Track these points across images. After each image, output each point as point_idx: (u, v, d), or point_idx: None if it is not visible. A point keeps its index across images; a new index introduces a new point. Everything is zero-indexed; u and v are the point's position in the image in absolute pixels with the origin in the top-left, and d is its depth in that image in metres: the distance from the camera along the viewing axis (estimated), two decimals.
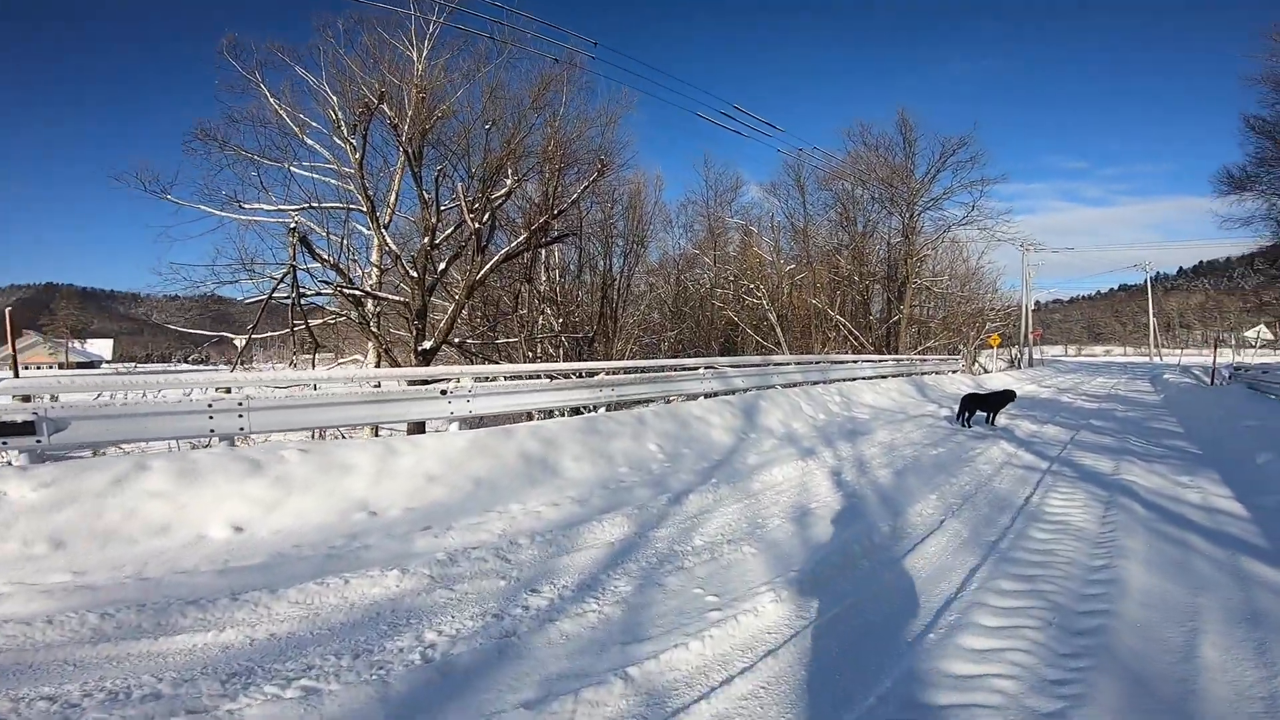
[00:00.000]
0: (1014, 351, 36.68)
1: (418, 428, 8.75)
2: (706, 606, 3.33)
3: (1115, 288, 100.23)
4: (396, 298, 12.08)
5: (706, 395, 10.23)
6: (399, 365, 11.83)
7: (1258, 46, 17.58)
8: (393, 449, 6.00)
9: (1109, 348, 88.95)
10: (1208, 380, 19.27)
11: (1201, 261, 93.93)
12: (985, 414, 10.53)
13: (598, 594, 3.50)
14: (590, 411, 8.81)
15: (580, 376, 8.88)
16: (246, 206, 12.90)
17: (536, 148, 13.61)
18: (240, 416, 5.51)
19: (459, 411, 6.99)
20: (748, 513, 5.25)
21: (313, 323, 11.79)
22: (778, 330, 21.46)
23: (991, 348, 30.35)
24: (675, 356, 25.08)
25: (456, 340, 13.20)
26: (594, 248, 21.26)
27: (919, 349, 26.67)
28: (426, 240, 11.93)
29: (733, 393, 10.84)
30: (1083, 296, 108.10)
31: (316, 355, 11.95)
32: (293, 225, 11.19)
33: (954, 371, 21.73)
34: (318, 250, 11.27)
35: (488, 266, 12.47)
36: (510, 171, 12.60)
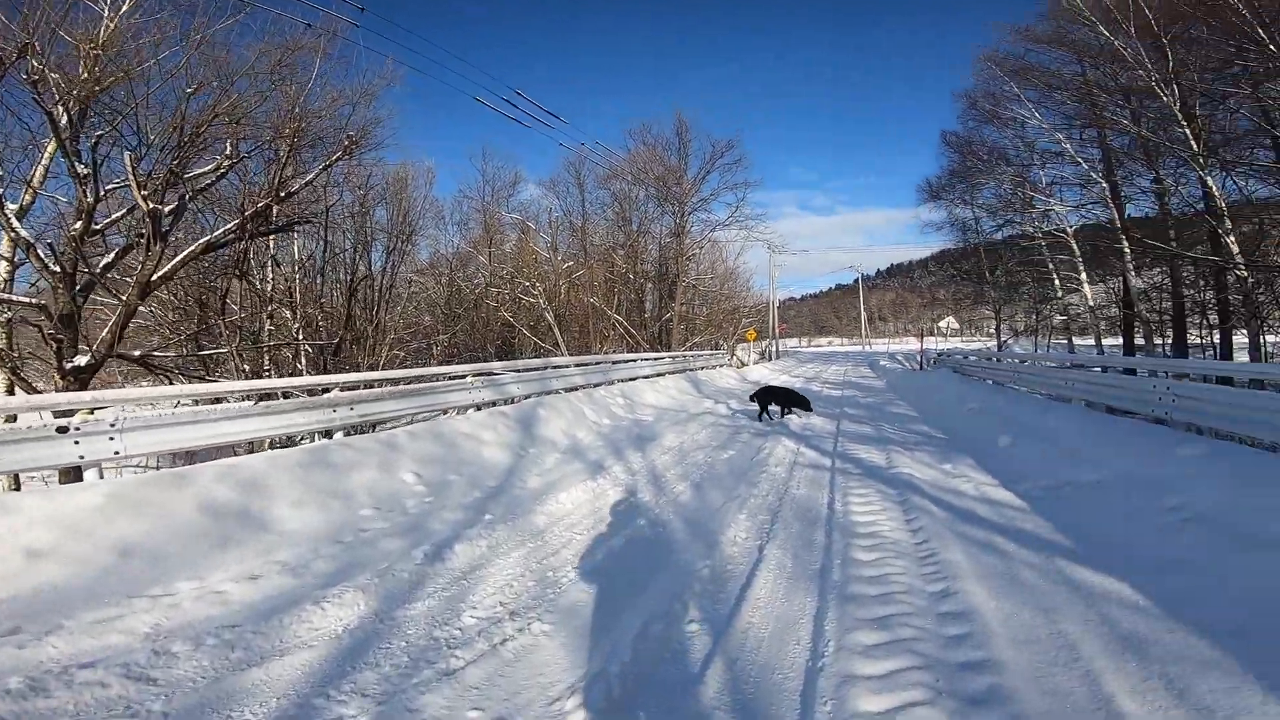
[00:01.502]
0: (765, 344, 40.85)
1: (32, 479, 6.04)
2: None
3: (834, 287, 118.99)
4: (25, 299, 8.64)
5: (479, 407, 8.88)
6: (35, 391, 8.44)
7: (969, 68, 21.13)
8: None
9: (830, 339, 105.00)
10: (916, 367, 22.98)
11: (893, 264, 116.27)
12: (780, 408, 10.69)
13: None
14: (326, 438, 6.92)
15: (317, 394, 6.90)
16: None
17: (267, 121, 10.89)
18: None
19: (96, 455, 4.76)
20: (534, 563, 4.15)
21: None
22: (556, 330, 20.70)
23: (748, 342, 33.30)
24: (450, 361, 23.02)
25: (137, 354, 9.95)
26: (346, 241, 18.38)
27: (688, 345, 28.05)
28: (79, 226, 8.67)
29: (509, 402, 9.64)
30: (810, 295, 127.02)
31: None
32: None
33: (721, 366, 23.04)
34: None
35: (179, 259, 9.57)
36: (230, 149, 9.83)
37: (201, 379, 10.69)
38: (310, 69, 11.74)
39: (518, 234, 28.45)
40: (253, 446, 7.82)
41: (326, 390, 6.87)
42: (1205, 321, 16.72)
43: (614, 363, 14.18)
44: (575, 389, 11.78)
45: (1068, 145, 16.84)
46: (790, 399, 10.72)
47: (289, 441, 6.89)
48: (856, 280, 61.90)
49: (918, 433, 8.78)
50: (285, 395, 7.30)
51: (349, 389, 7.04)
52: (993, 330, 26.58)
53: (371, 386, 7.85)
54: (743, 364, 30.21)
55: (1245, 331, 14.55)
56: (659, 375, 16.25)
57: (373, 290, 21.54)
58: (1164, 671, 2.48)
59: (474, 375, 8.92)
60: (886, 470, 6.24)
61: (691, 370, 19.14)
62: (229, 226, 10.16)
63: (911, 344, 45.79)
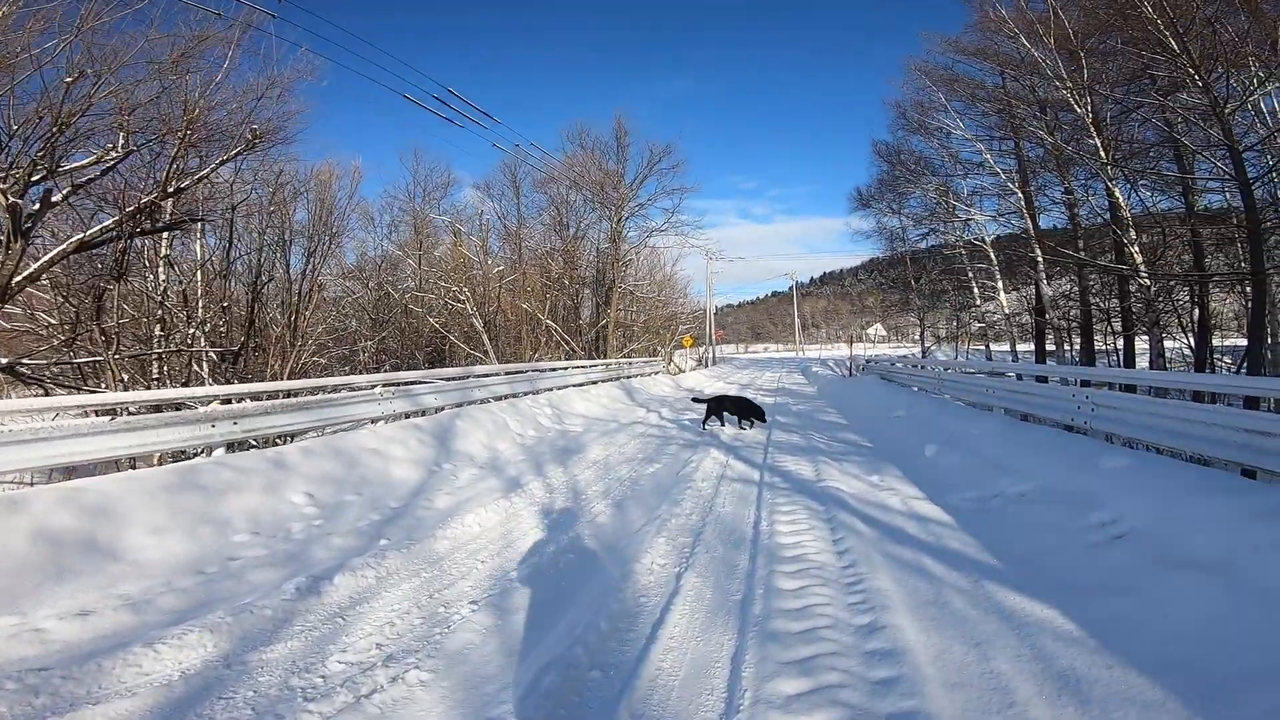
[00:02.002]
0: (702, 351, 41.11)
1: None
2: None
3: (770, 294, 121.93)
4: None
5: (389, 419, 8.28)
6: None
7: (900, 76, 21.64)
8: None
9: (766, 345, 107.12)
10: (846, 372, 23.49)
11: (826, 273, 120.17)
12: (737, 418, 10.07)
13: None
14: (205, 455, 6.22)
15: (196, 406, 6.18)
16: None
17: (160, 114, 9.93)
18: None
19: None
20: (426, 596, 3.71)
21: None
22: (484, 337, 20.00)
23: (685, 348, 33.39)
24: (378, 370, 21.90)
25: (4, 361, 8.84)
26: (254, 241, 17.17)
27: (624, 351, 27.81)
28: None
29: (424, 413, 9.07)
30: (748, 301, 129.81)
31: None
32: None
33: (656, 373, 22.88)
34: None
35: (46, 259, 8.57)
36: (123, 141, 8.87)
37: (77, 390, 9.61)
38: (222, 61, 11.03)
39: (451, 238, 27.56)
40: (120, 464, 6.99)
41: (219, 401, 6.17)
42: (1110, 328, 17.78)
43: (542, 371, 13.70)
44: (500, 399, 11.28)
45: (988, 156, 17.56)
46: (744, 409, 10.05)
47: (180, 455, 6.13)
48: (791, 288, 63.48)
49: (846, 442, 8.71)
50: (177, 407, 6.54)
51: (227, 403, 6.34)
52: (917, 337, 27.59)
53: (261, 398, 7.18)
54: (680, 370, 30.21)
55: (1148, 338, 15.47)
56: (591, 384, 15.86)
57: (290, 293, 20.45)
58: (1106, 718, 2.26)
59: (384, 386, 8.29)
60: (815, 484, 6.01)
61: (626, 378, 18.85)
62: (105, 224, 9.17)
63: (842, 350, 47.17)
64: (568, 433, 10.17)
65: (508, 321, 24.52)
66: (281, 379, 12.16)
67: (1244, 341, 15.22)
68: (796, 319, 66.06)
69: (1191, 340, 14.89)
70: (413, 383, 9.25)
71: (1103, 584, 3.23)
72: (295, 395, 7.86)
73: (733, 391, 19.70)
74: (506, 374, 12.03)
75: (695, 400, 10.68)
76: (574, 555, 4.34)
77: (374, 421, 8.00)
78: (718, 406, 10.24)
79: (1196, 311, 14.42)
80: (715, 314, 47.07)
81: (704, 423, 10.15)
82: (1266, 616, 2.53)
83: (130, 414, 6.70)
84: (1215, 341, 14.68)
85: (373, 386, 8.24)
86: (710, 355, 41.46)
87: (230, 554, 4.42)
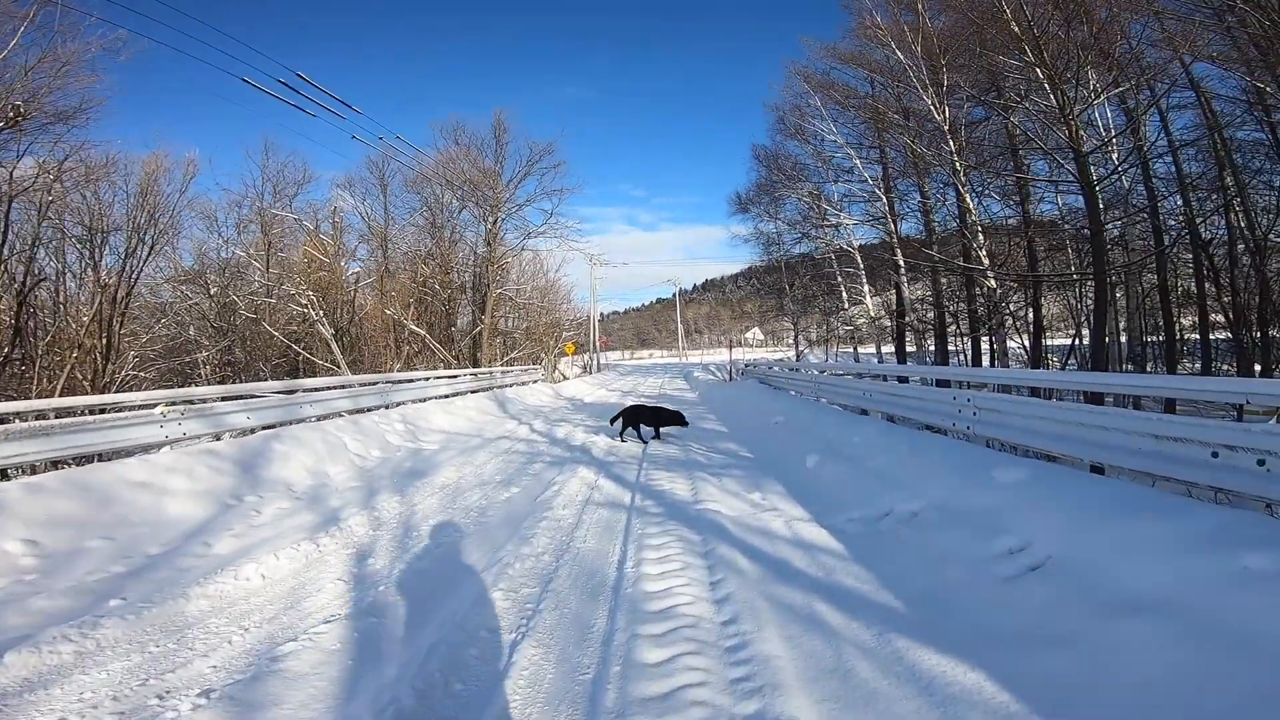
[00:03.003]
0: (586, 358, 40.22)
1: None
2: None
3: (655, 301, 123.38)
4: None
5: (178, 444, 6.61)
6: None
7: (780, 80, 21.81)
8: None
9: (652, 351, 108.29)
10: (727, 377, 23.51)
11: (708, 280, 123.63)
12: (653, 429, 9.08)
13: None
14: None
15: None
16: None
17: None
18: None
19: None
20: (137, 683, 2.62)
21: None
22: (333, 346, 17.85)
23: (568, 355, 32.34)
24: (222, 382, 18.93)
25: None
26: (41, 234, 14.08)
27: (505, 360, 26.31)
28: None
29: (220, 436, 7.41)
30: (633, 308, 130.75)
31: None
32: None
33: (534, 382, 21.65)
34: None
35: None
36: None
37: None
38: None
39: (307, 240, 24.70)
40: None
41: None
42: (959, 329, 19.00)
43: (396, 382, 12.11)
44: (341, 415, 9.71)
45: (858, 161, 18.15)
46: (662, 418, 9.06)
47: None
48: (675, 294, 64.23)
49: (725, 452, 8.09)
50: None
51: None
52: (791, 341, 28.41)
53: None
54: (564, 378, 29.14)
55: (992, 338, 16.56)
56: (458, 395, 14.42)
57: (104, 300, 17.36)
58: None
59: (167, 405, 6.60)
60: (692, 507, 5.23)
61: (500, 388, 17.47)
62: None
63: (724, 355, 48.23)
64: (420, 452, 8.85)
65: (371, 330, 22.26)
66: (54, 396, 9.75)
67: (1067, 341, 16.77)
68: (679, 326, 66.90)
69: (1027, 340, 16.18)
70: (216, 399, 7.54)
71: (1027, 631, 2.65)
72: (44, 417, 6.04)
73: (614, 400, 19.04)
74: (349, 386, 10.41)
75: (612, 420, 9.58)
76: (376, 619, 3.29)
77: (149, 449, 6.32)
78: (633, 418, 9.25)
79: (1031, 313, 15.68)
80: (601, 320, 46.44)
81: (620, 434, 9.20)
82: (1247, 671, 1.98)
83: None
84: (1045, 341, 15.95)
85: (152, 406, 6.52)
86: (595, 362, 40.68)
87: None
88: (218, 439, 7.16)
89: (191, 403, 7.09)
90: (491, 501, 5.79)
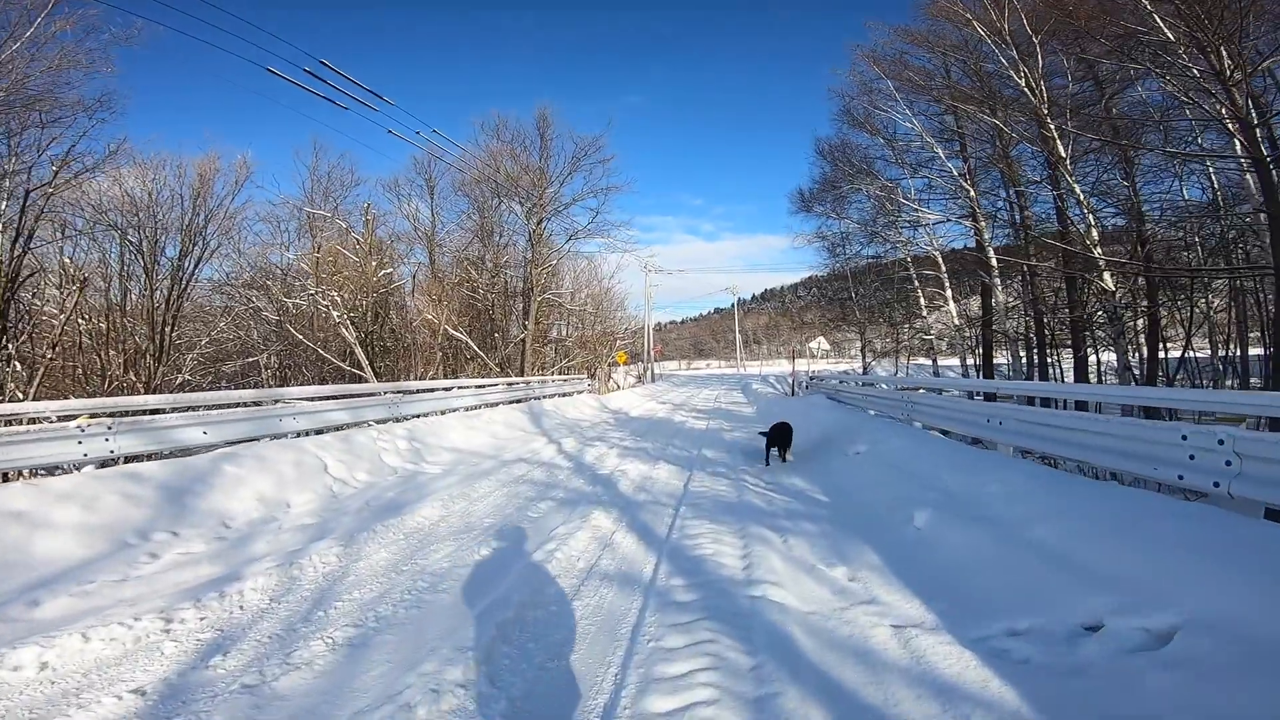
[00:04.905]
0: (641, 368, 38.69)
1: None
2: None
3: (713, 310, 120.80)
4: None
5: (102, 464, 5.33)
6: None
7: (845, 66, 19.50)
8: None
9: (709, 361, 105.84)
10: (788, 391, 21.34)
11: (767, 289, 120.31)
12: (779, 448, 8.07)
13: None
14: None
15: None
16: None
17: None
18: None
19: None
20: None
21: None
22: (358, 351, 16.86)
23: (621, 364, 30.88)
24: (282, 385, 18.44)
25: None
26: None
27: (556, 368, 25.03)
28: None
29: (161, 456, 6.09)
30: (690, 318, 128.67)
31: None
32: None
33: (579, 393, 20.12)
34: None
35: None
36: None
37: None
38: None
39: (352, 243, 24.27)
40: None
41: None
42: (1053, 340, 16.22)
43: (410, 392, 10.75)
44: (338, 429, 8.38)
45: (940, 151, 15.84)
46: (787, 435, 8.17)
47: None
48: (734, 303, 61.95)
49: (790, 493, 6.13)
50: None
51: None
52: (854, 352, 25.87)
53: None
54: (616, 387, 27.68)
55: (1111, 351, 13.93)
56: (485, 406, 13.00)
57: (154, 302, 17.21)
58: None
59: (89, 415, 5.34)
60: (741, 590, 3.41)
61: (536, 399, 16.01)
62: None
63: (784, 366, 45.56)
64: (416, 476, 7.38)
65: (422, 338, 21.29)
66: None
67: (1193, 354, 13.85)
68: (738, 335, 64.46)
69: (1143, 353, 13.44)
70: (156, 410, 6.28)
71: None
72: None
73: (662, 412, 17.30)
74: (338, 397, 9.09)
75: (761, 434, 8.48)
76: None
77: (52, 471, 5.03)
78: (778, 437, 8.09)
79: (1144, 322, 13.02)
80: (657, 330, 44.81)
81: (765, 458, 8.04)
82: None
83: None
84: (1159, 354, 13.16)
85: (69, 418, 5.25)
86: (649, 372, 39.12)
87: None
88: (152, 459, 5.84)
89: (126, 414, 5.81)
90: (457, 564, 4.16)
